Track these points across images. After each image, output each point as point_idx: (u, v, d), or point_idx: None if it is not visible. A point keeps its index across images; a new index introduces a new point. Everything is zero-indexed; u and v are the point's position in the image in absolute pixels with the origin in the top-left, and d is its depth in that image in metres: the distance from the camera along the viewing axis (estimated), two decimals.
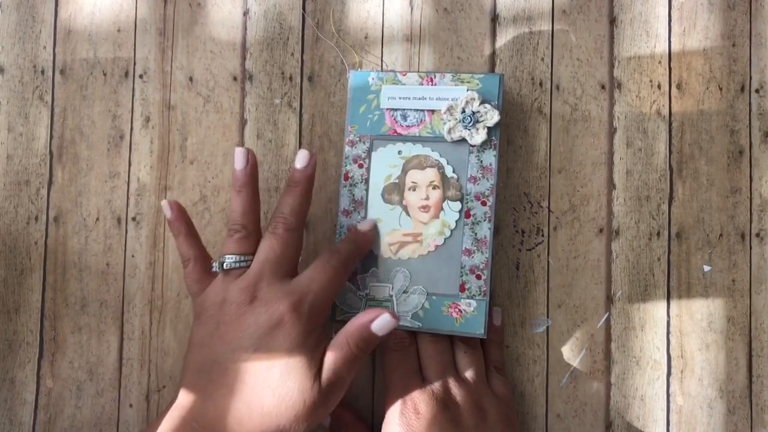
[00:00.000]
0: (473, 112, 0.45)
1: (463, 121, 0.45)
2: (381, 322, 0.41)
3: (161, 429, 0.41)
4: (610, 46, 0.50)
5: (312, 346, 0.41)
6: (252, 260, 0.43)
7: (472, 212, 0.46)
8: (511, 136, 0.50)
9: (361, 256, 0.46)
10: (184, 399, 0.41)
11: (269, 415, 0.39)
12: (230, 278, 0.43)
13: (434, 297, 0.46)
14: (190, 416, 0.40)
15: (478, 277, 0.45)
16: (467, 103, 0.45)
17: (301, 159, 0.45)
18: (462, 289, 0.45)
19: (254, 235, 0.44)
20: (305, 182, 0.44)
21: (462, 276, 0.45)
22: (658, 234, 0.49)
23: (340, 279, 0.44)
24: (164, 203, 0.45)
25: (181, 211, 0.45)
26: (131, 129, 0.51)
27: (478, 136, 0.45)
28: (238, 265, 0.43)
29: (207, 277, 0.44)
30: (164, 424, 0.41)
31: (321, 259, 0.43)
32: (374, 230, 0.46)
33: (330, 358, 0.41)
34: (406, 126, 0.47)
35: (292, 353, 0.40)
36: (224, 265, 0.43)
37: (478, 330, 0.45)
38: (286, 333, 0.40)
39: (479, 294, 0.45)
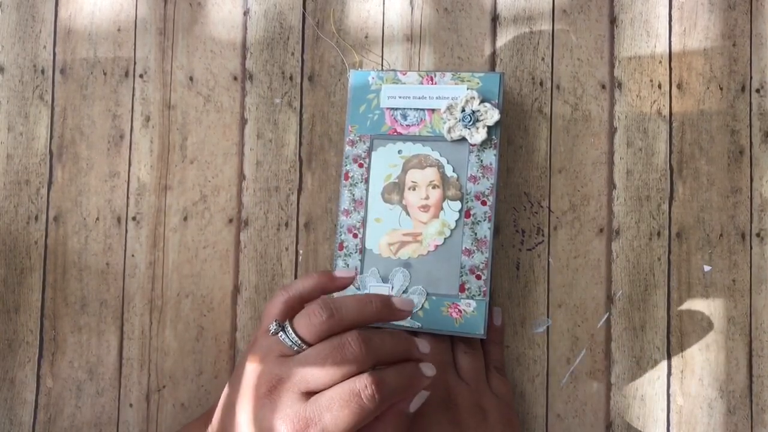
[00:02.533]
0: (473, 111, 0.45)
1: (463, 120, 0.45)
2: (418, 401, 0.39)
3: None
4: (611, 46, 0.50)
5: None
6: (305, 349, 0.38)
7: (472, 212, 0.46)
8: (511, 135, 0.50)
9: (403, 397, 0.39)
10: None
11: None
12: (276, 351, 0.39)
13: (434, 297, 0.45)
14: None
15: (478, 277, 0.45)
16: (467, 102, 0.45)
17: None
18: (462, 289, 0.45)
19: (329, 332, 0.38)
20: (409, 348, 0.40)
21: (462, 276, 0.45)
22: (659, 234, 0.49)
23: (363, 418, 0.36)
24: (349, 272, 0.43)
25: (345, 283, 0.42)
26: (131, 129, 0.51)
27: (478, 135, 0.45)
28: (290, 344, 0.39)
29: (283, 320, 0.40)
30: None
31: (353, 385, 0.36)
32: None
33: None
34: (406, 125, 0.47)
35: None
36: (281, 335, 0.39)
37: (478, 330, 0.45)
38: None
39: (479, 294, 0.45)
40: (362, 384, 0.36)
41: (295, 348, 0.38)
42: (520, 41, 0.50)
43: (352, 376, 0.37)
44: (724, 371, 0.48)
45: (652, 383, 0.48)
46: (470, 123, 0.45)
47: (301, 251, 0.50)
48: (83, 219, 0.51)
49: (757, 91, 0.49)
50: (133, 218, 0.51)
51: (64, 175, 0.51)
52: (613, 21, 0.50)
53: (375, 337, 0.38)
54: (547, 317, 0.49)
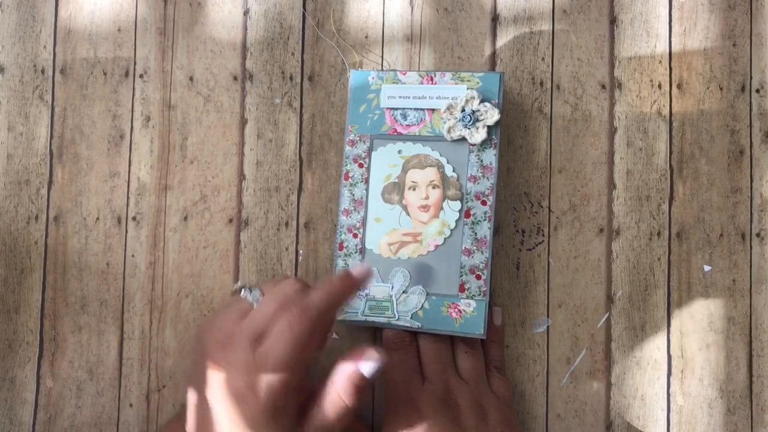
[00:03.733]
0: (473, 111, 0.45)
1: (463, 120, 0.45)
2: (369, 362, 0.39)
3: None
4: (611, 46, 0.50)
5: (280, 421, 0.39)
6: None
7: (472, 212, 0.46)
8: (511, 135, 0.50)
9: (344, 303, 0.42)
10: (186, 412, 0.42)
11: None
12: (234, 310, 0.41)
13: (434, 297, 0.45)
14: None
15: (478, 277, 0.45)
16: (467, 101, 0.45)
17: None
18: (462, 289, 0.45)
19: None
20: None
21: (462, 276, 0.45)
22: (659, 234, 0.49)
23: (306, 341, 0.39)
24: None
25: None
26: (131, 129, 0.51)
27: (478, 135, 0.45)
28: (252, 301, 0.41)
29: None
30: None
31: (283, 321, 0.39)
32: (366, 276, 0.43)
33: (321, 417, 0.39)
34: (406, 125, 0.47)
35: (253, 425, 0.38)
36: (243, 292, 0.42)
37: (478, 330, 0.45)
38: (249, 411, 0.38)
39: (479, 294, 0.45)
40: (293, 315, 0.39)
41: (255, 302, 0.41)
42: (520, 41, 0.50)
43: (284, 306, 0.39)
44: (724, 371, 0.48)
45: (652, 383, 0.48)
46: (470, 123, 0.45)
47: (301, 251, 0.50)
48: (83, 219, 0.51)
49: (757, 91, 0.49)
50: (133, 218, 0.51)
51: (64, 175, 0.51)
52: (613, 21, 0.50)
53: (313, 296, 0.40)
54: (547, 317, 0.49)
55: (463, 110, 0.45)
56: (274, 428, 0.38)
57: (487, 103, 0.45)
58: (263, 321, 0.39)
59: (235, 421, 0.38)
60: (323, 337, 0.42)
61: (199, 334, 0.42)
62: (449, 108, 0.45)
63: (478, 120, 0.45)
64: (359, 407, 0.40)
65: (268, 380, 0.38)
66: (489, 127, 0.45)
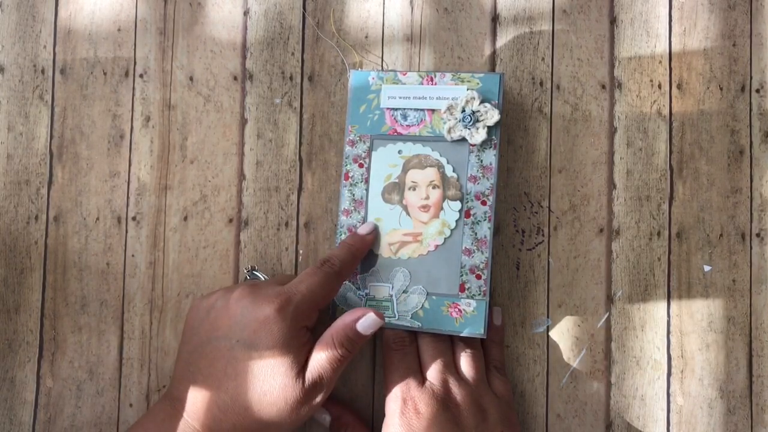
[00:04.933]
0: (473, 112, 0.45)
1: (463, 121, 0.45)
2: (366, 322, 0.42)
3: (151, 420, 0.42)
4: (611, 46, 0.50)
5: (296, 346, 0.42)
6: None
7: (472, 212, 0.46)
8: (511, 135, 0.50)
9: (357, 262, 0.46)
10: (174, 390, 0.43)
11: (252, 410, 0.41)
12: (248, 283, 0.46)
13: (434, 297, 0.45)
14: (180, 406, 0.42)
15: (478, 277, 0.45)
16: (467, 102, 0.45)
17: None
18: (462, 289, 0.45)
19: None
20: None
21: (462, 276, 0.45)
22: (659, 234, 0.49)
23: (331, 285, 0.44)
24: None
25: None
26: (131, 128, 0.51)
27: (478, 136, 0.45)
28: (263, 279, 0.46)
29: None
30: (156, 414, 0.43)
31: (314, 266, 0.44)
32: (374, 233, 0.47)
33: (315, 358, 0.42)
34: (406, 125, 0.47)
35: (275, 352, 0.41)
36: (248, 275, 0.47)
37: (478, 330, 0.45)
38: (270, 331, 0.41)
39: (479, 294, 0.45)
40: (320, 261, 0.44)
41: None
42: (520, 41, 0.50)
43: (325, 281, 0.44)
44: (724, 371, 0.48)
45: (652, 383, 0.48)
46: (470, 123, 0.45)
47: (301, 251, 0.50)
48: (83, 219, 0.51)
49: (757, 91, 0.49)
50: (133, 218, 0.51)
51: (64, 175, 0.51)
52: (613, 21, 0.50)
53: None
54: (547, 317, 0.49)
55: (463, 111, 0.45)
56: (290, 351, 0.41)
57: (487, 104, 0.45)
58: (287, 278, 0.46)
59: (260, 339, 0.41)
60: (336, 289, 0.45)
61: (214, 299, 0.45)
62: (449, 108, 0.45)
63: (478, 120, 0.45)
64: (350, 359, 0.43)
65: (296, 303, 0.42)
66: (489, 127, 0.45)
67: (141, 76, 0.51)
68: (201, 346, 0.43)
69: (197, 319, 0.44)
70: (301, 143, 0.51)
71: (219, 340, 0.42)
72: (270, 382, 0.41)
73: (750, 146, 0.49)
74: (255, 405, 0.41)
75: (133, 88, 0.51)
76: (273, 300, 0.42)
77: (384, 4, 0.51)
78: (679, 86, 0.49)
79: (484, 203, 0.45)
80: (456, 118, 0.45)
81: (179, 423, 0.42)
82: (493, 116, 0.45)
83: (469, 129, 0.45)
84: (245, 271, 0.49)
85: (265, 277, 0.48)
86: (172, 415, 0.42)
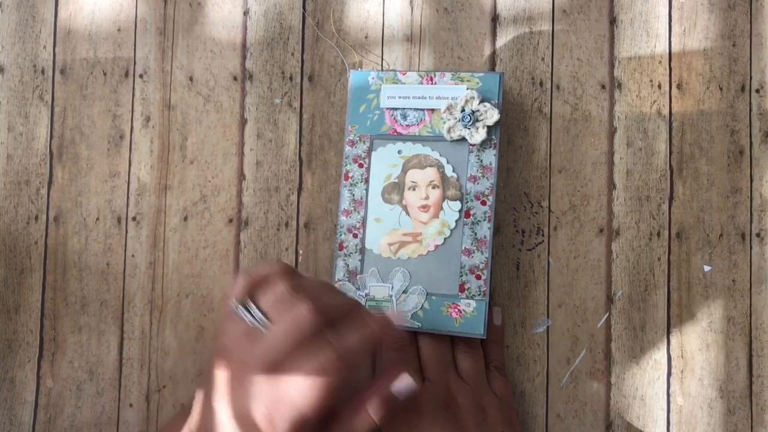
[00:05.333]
0: (473, 111, 0.45)
1: (463, 120, 0.45)
2: (404, 386, 0.38)
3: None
4: (611, 46, 0.50)
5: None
6: None
7: (471, 212, 0.46)
8: (511, 135, 0.50)
9: (372, 353, 0.42)
10: (196, 413, 0.39)
11: None
12: (238, 329, 0.37)
13: (434, 297, 0.45)
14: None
15: (478, 277, 0.45)
16: (467, 102, 0.45)
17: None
18: (462, 289, 0.45)
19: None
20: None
21: (462, 276, 0.45)
22: (659, 234, 0.49)
23: (339, 393, 0.36)
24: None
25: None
26: (131, 129, 0.51)
27: (478, 135, 0.45)
28: (251, 321, 0.37)
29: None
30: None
31: (314, 362, 0.35)
32: (400, 322, 0.42)
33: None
34: (406, 125, 0.47)
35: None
36: (239, 310, 0.38)
37: (478, 330, 0.45)
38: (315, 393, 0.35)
39: (479, 294, 0.45)
40: (325, 357, 0.35)
41: (259, 324, 0.36)
42: (520, 41, 0.50)
43: (309, 342, 0.36)
44: (724, 371, 0.48)
45: (652, 383, 0.48)
46: (470, 123, 0.45)
47: (301, 251, 0.50)
48: (83, 219, 0.51)
49: (757, 91, 0.49)
50: (133, 218, 0.51)
51: (64, 175, 0.51)
52: (613, 21, 0.50)
53: (324, 297, 0.37)
54: (547, 317, 0.49)
55: (462, 110, 0.45)
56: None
57: (486, 104, 0.45)
58: (280, 353, 0.36)
59: None
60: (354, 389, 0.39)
61: (210, 363, 0.39)
62: (449, 108, 0.45)
63: (477, 120, 0.45)
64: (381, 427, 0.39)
65: (289, 416, 0.35)
66: (489, 127, 0.45)
67: (141, 76, 0.51)
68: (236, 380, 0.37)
69: (234, 351, 0.37)
70: (301, 143, 0.51)
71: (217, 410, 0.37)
72: None
73: (750, 146, 0.49)
74: None
75: (133, 89, 0.51)
76: (261, 406, 0.35)
77: (384, 4, 0.51)
78: (679, 86, 0.49)
79: (483, 203, 0.45)
80: (455, 118, 0.45)
81: None
82: (492, 116, 0.45)
83: (468, 129, 0.45)
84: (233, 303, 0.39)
85: (261, 321, 0.37)
86: None
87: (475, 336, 0.45)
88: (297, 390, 0.35)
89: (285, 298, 0.37)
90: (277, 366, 0.36)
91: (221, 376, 0.37)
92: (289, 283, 0.37)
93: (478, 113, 0.45)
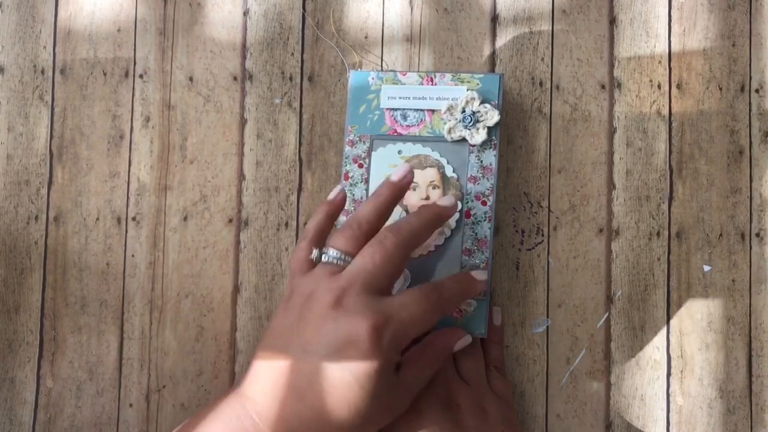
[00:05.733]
0: (473, 112, 0.45)
1: (463, 121, 0.45)
2: (463, 340, 0.43)
3: (217, 418, 0.39)
4: (610, 46, 0.50)
5: (386, 373, 0.38)
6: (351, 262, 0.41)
7: (472, 212, 0.46)
8: (511, 135, 0.50)
9: (464, 301, 0.44)
10: (248, 389, 0.40)
11: (335, 427, 0.38)
12: (325, 273, 0.40)
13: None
14: (253, 408, 0.39)
15: None
16: (467, 102, 0.45)
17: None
18: None
19: (365, 238, 0.41)
20: (439, 213, 0.43)
21: None
22: (658, 234, 0.49)
23: (434, 316, 0.40)
24: (336, 188, 0.45)
25: (341, 202, 0.45)
26: (131, 129, 0.51)
27: (479, 136, 0.45)
28: (335, 261, 0.41)
29: (308, 263, 0.42)
30: (222, 412, 0.39)
31: (421, 289, 0.40)
32: (486, 280, 0.44)
33: (410, 379, 0.40)
34: (406, 126, 0.47)
35: (362, 376, 0.38)
36: (324, 257, 0.41)
37: (479, 330, 0.45)
38: (361, 355, 0.38)
39: (479, 294, 0.45)
40: (427, 288, 0.40)
41: (341, 262, 0.41)
42: (520, 41, 0.50)
43: (401, 262, 0.40)
44: (724, 371, 0.48)
45: (652, 383, 0.48)
46: (470, 124, 0.45)
47: None
48: (83, 219, 0.51)
49: (757, 91, 0.49)
50: (133, 218, 0.51)
51: (64, 175, 0.51)
52: (612, 21, 0.50)
53: (402, 223, 0.41)
54: (547, 317, 0.49)
55: (463, 111, 0.45)
56: (385, 375, 0.39)
57: (487, 104, 0.45)
58: (380, 274, 0.40)
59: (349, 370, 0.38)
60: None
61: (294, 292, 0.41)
62: (449, 109, 0.46)
63: (478, 121, 0.45)
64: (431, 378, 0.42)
65: (394, 330, 0.38)
66: (489, 128, 0.45)
67: (141, 76, 0.51)
68: (286, 351, 0.39)
69: (286, 324, 0.40)
70: (300, 143, 0.51)
71: (305, 352, 0.39)
72: (357, 404, 0.38)
73: (750, 146, 0.49)
74: (337, 423, 0.38)
75: (133, 89, 0.51)
76: (368, 317, 0.38)
77: (384, 4, 0.51)
78: (678, 86, 0.49)
79: (484, 203, 0.45)
80: (456, 119, 0.45)
81: (249, 426, 0.38)
82: (493, 117, 0.45)
83: (469, 129, 0.45)
84: (315, 254, 0.43)
85: (338, 256, 0.41)
86: (241, 415, 0.39)
87: (476, 335, 0.45)
88: (406, 310, 0.39)
89: (359, 236, 0.41)
90: (381, 288, 0.40)
91: (309, 308, 0.40)
92: (357, 223, 0.42)
93: (478, 114, 0.45)
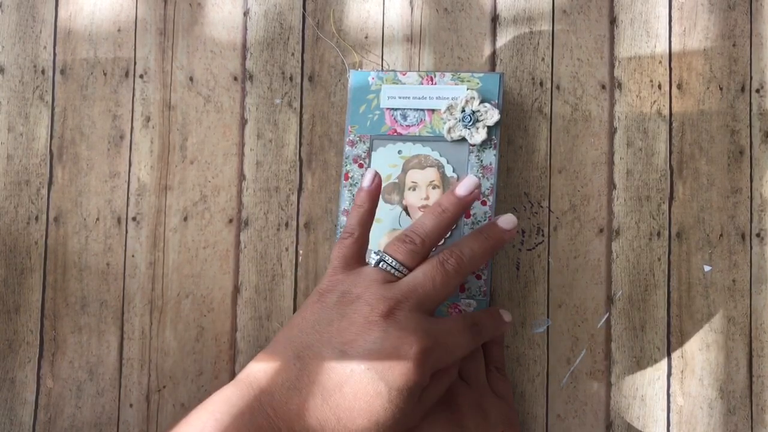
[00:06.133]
0: (473, 112, 0.45)
1: (463, 121, 0.45)
2: (507, 315, 0.45)
3: (225, 399, 0.37)
4: (611, 46, 0.50)
5: (416, 393, 0.38)
6: (407, 275, 0.41)
7: (472, 212, 0.46)
8: (511, 135, 0.50)
9: (491, 337, 0.44)
10: (264, 378, 0.38)
11: None
12: (379, 279, 0.40)
13: None
14: (267, 399, 0.37)
15: (478, 277, 0.45)
16: (467, 102, 0.45)
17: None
18: (462, 289, 0.45)
19: (425, 254, 0.41)
20: (502, 239, 0.43)
21: None
22: (659, 234, 0.49)
23: (469, 348, 0.41)
24: (370, 171, 0.43)
25: (378, 188, 0.43)
26: (131, 129, 0.51)
27: (478, 136, 0.45)
28: (393, 271, 0.40)
29: (355, 261, 0.42)
30: (230, 395, 0.38)
31: (464, 320, 0.41)
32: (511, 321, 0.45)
33: (428, 395, 0.40)
34: (406, 125, 0.47)
35: (395, 391, 0.37)
36: (381, 264, 0.41)
37: None
38: (403, 370, 0.37)
39: (479, 294, 0.45)
40: (469, 321, 0.41)
41: (397, 273, 0.41)
42: (520, 41, 0.50)
43: (455, 288, 0.41)
44: (724, 371, 0.48)
45: (652, 383, 0.48)
46: (470, 123, 0.45)
47: (301, 251, 0.50)
48: (83, 219, 0.51)
49: (757, 91, 0.49)
50: (133, 218, 0.51)
51: (64, 175, 0.51)
52: (613, 21, 0.50)
53: (464, 247, 0.41)
54: (547, 317, 0.49)
55: (463, 111, 0.45)
56: (423, 398, 0.39)
57: (487, 104, 0.45)
58: (431, 294, 0.39)
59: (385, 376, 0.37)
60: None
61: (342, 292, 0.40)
62: (449, 108, 0.45)
63: (478, 120, 0.45)
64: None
65: (436, 357, 0.38)
66: (489, 127, 0.45)
67: (141, 76, 0.51)
68: (318, 347, 0.38)
69: (322, 319, 0.39)
70: (301, 143, 0.51)
71: (342, 353, 0.38)
72: (387, 421, 0.37)
73: (750, 146, 0.49)
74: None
75: (133, 89, 0.51)
76: (419, 338, 0.38)
77: (384, 4, 0.51)
78: (679, 86, 0.49)
79: (484, 203, 0.45)
80: (456, 118, 0.45)
81: (262, 420, 0.37)
82: (493, 116, 0.45)
83: (469, 129, 0.45)
84: (374, 258, 0.41)
85: (397, 268, 0.41)
86: (254, 408, 0.37)
87: None
88: (451, 336, 0.39)
89: (419, 252, 0.41)
90: (426, 306, 0.40)
91: (358, 313, 0.39)
92: (419, 238, 0.41)
93: (478, 113, 0.45)
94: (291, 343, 0.39)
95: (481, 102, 0.45)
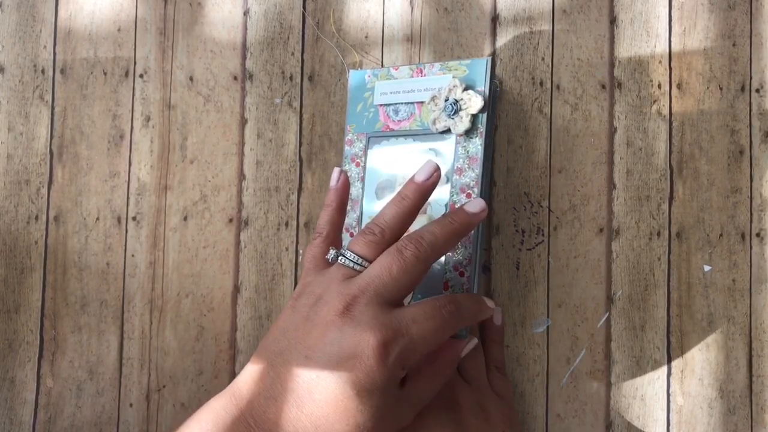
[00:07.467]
0: (455, 101, 0.44)
1: (446, 110, 0.44)
2: (469, 346, 0.43)
3: (213, 411, 0.38)
4: (611, 46, 0.50)
5: (389, 389, 0.37)
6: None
7: (456, 206, 0.44)
8: (511, 135, 0.50)
9: (475, 321, 0.42)
10: (245, 388, 0.38)
11: None
12: (339, 275, 0.39)
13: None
14: (248, 409, 0.38)
15: (461, 274, 0.44)
16: (450, 91, 0.44)
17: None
18: (446, 286, 0.44)
19: (386, 245, 0.40)
20: (468, 222, 0.41)
21: (446, 273, 0.44)
22: (659, 234, 0.49)
23: (445, 334, 0.39)
24: (336, 170, 0.43)
25: (345, 185, 0.43)
26: (131, 128, 0.51)
27: (462, 125, 0.44)
28: (352, 265, 0.39)
29: (323, 261, 0.41)
30: (217, 407, 0.38)
31: (434, 302, 0.39)
32: (497, 311, 0.45)
33: (416, 392, 0.39)
34: (398, 121, 0.46)
35: (364, 391, 0.36)
36: (341, 259, 0.40)
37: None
38: (364, 369, 0.36)
39: (462, 291, 0.44)
40: (443, 301, 0.39)
41: (358, 267, 0.39)
42: (520, 41, 0.50)
43: (419, 275, 0.39)
44: (724, 371, 0.48)
45: (652, 383, 0.48)
46: (452, 113, 0.44)
47: (301, 251, 0.50)
48: (83, 219, 0.51)
49: (757, 91, 0.49)
50: (133, 218, 0.51)
51: (64, 175, 0.51)
52: (613, 21, 0.50)
53: (425, 233, 0.39)
54: (547, 317, 0.49)
55: (446, 100, 0.44)
56: (390, 395, 0.38)
57: (470, 91, 0.44)
58: (394, 286, 0.38)
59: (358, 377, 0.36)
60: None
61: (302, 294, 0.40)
62: (433, 99, 0.45)
63: (461, 109, 0.44)
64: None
65: (402, 347, 0.37)
66: (473, 115, 0.44)
67: (141, 76, 0.51)
68: (288, 354, 0.38)
69: (291, 325, 0.39)
70: (301, 143, 0.51)
71: (306, 358, 0.37)
72: (358, 421, 0.37)
73: (750, 146, 0.49)
74: None
75: (133, 88, 0.51)
76: (376, 330, 0.36)
77: (384, 4, 0.51)
78: (679, 86, 0.49)
79: (469, 196, 0.44)
80: (440, 108, 0.44)
81: (243, 430, 0.37)
82: (476, 104, 0.43)
83: (452, 118, 0.44)
84: (332, 254, 0.41)
85: (357, 261, 0.40)
86: (236, 417, 0.37)
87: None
88: (416, 325, 0.38)
89: (380, 242, 0.40)
90: (387, 297, 0.38)
91: (317, 312, 0.38)
92: (379, 229, 0.40)
93: (461, 102, 0.44)
94: (266, 351, 0.39)
95: (465, 90, 0.44)
